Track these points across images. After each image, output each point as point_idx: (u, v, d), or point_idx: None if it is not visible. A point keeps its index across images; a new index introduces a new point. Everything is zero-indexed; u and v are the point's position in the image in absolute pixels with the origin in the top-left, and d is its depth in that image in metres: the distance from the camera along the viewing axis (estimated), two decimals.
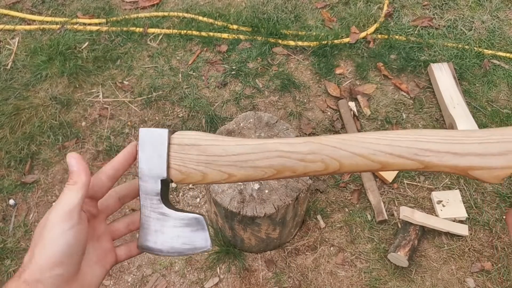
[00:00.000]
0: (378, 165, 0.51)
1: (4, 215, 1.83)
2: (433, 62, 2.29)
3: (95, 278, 0.51)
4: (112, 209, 0.56)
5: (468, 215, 1.81)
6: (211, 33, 2.44)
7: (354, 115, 2.12)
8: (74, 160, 0.50)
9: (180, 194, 1.90)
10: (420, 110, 2.18)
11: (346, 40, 2.43)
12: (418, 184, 1.93)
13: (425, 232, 1.78)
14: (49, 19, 2.52)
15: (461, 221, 1.80)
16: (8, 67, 2.28)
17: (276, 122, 1.54)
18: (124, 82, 2.26)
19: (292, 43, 2.41)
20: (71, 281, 0.47)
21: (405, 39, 2.45)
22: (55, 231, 0.46)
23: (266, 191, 1.39)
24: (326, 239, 1.78)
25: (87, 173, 0.49)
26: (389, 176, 1.90)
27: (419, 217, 1.74)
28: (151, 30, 2.46)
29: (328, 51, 2.37)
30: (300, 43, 2.41)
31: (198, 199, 1.88)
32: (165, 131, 0.53)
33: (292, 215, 1.51)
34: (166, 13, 2.56)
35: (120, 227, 0.57)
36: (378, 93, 2.24)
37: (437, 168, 0.50)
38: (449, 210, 1.81)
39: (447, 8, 2.63)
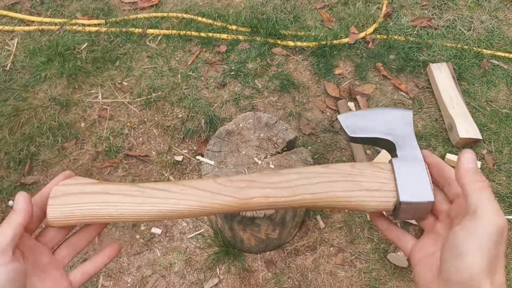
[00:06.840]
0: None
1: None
2: (432, 62, 2.30)
3: None
4: (56, 238, 0.55)
5: None
6: (210, 34, 2.44)
7: None
8: (22, 198, 0.50)
9: None
10: (420, 110, 2.18)
11: (345, 40, 2.43)
12: None
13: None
14: (48, 20, 2.52)
15: None
16: (7, 68, 2.28)
17: (276, 122, 1.54)
18: (123, 83, 2.26)
19: (291, 43, 2.41)
20: None
21: (404, 39, 2.45)
22: None
23: None
24: (326, 240, 1.78)
25: (27, 213, 0.49)
26: None
27: None
28: (150, 31, 2.46)
29: (327, 51, 2.37)
30: (299, 43, 2.41)
31: None
32: None
33: (291, 216, 1.51)
34: (165, 14, 2.56)
35: (64, 253, 0.56)
36: (377, 93, 2.24)
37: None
38: None
39: (446, 8, 2.64)
